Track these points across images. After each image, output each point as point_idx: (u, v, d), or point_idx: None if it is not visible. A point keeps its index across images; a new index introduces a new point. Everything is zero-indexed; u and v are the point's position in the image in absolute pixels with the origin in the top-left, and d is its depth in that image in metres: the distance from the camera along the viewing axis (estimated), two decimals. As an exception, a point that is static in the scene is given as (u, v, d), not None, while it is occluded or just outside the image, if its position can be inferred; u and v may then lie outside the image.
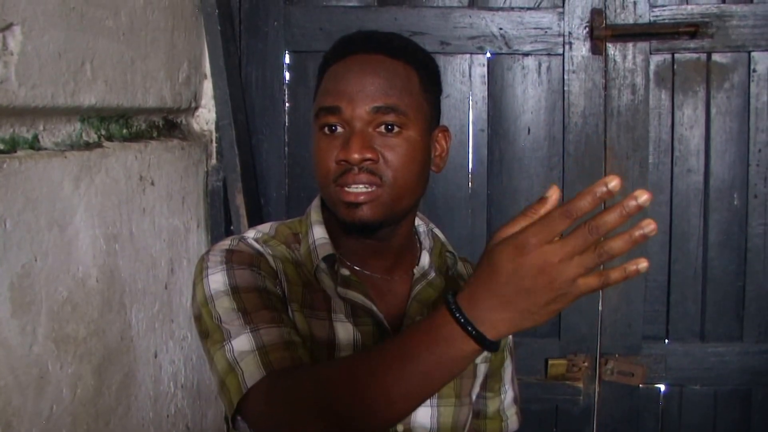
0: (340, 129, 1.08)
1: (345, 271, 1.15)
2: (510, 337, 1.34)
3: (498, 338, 0.79)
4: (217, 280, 1.08)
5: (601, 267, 0.76)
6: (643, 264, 0.74)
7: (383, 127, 1.08)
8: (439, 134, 1.17)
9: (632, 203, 0.72)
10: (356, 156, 1.05)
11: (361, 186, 1.07)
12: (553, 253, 0.74)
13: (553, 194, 0.77)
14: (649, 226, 0.73)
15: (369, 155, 1.06)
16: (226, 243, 1.14)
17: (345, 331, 1.12)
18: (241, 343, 1.02)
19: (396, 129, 1.08)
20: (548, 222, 0.75)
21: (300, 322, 1.10)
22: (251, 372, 0.99)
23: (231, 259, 1.10)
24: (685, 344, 2.02)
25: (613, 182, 0.72)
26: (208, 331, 1.06)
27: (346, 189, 1.07)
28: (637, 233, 0.73)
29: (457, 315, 0.79)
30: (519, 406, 1.38)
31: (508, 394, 1.36)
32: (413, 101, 1.10)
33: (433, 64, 1.18)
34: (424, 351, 0.82)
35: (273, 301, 1.08)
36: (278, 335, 1.02)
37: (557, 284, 0.75)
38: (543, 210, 0.77)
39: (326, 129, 1.09)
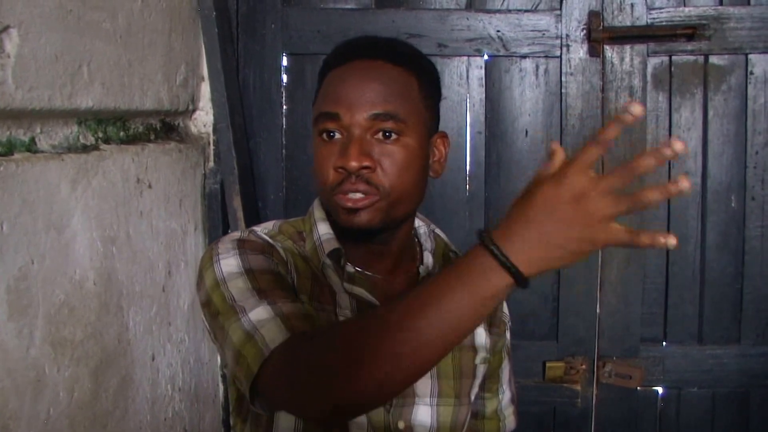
0: (338, 135, 1.09)
1: (350, 268, 1.16)
2: (508, 338, 1.35)
3: (531, 274, 0.81)
4: (230, 264, 1.07)
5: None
6: (672, 240, 0.77)
7: (381, 133, 1.08)
8: (438, 140, 1.18)
9: (667, 151, 0.76)
10: (354, 164, 1.05)
11: (358, 194, 1.07)
12: (590, 183, 0.77)
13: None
14: (684, 183, 0.76)
15: (366, 163, 1.06)
16: (236, 234, 1.15)
17: None
18: (259, 313, 1.00)
19: (394, 136, 1.08)
20: (583, 152, 0.78)
21: None
22: (273, 336, 0.96)
23: (243, 246, 1.10)
24: (683, 346, 2.02)
25: (635, 108, 0.77)
26: (219, 311, 1.04)
27: (344, 196, 1.08)
28: (673, 187, 0.76)
29: (492, 247, 0.80)
30: (516, 407, 1.39)
31: (506, 394, 1.37)
32: (412, 108, 1.10)
33: (433, 70, 1.18)
34: (458, 288, 0.82)
35: (287, 285, 1.08)
36: (297, 308, 1.02)
37: (592, 219, 0.77)
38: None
39: (324, 135, 1.10)
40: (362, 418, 1.13)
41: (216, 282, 1.06)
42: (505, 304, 1.34)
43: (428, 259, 1.22)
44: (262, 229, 1.19)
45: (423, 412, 1.18)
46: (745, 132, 1.96)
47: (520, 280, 0.80)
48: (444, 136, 1.19)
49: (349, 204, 1.07)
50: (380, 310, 0.97)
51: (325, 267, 1.15)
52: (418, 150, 1.11)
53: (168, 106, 1.77)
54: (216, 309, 1.05)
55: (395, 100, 1.08)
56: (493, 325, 1.30)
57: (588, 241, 0.79)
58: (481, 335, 1.26)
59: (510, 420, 1.37)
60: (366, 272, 1.18)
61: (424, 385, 1.18)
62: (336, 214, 1.11)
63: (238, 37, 2.00)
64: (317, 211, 1.20)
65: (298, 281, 1.12)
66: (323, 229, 1.17)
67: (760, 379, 2.00)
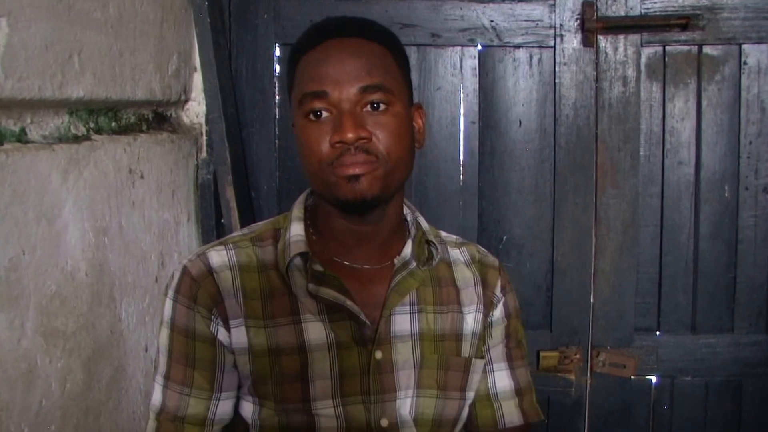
0: (326, 114, 1.10)
1: (318, 267, 1.14)
2: (497, 316, 1.26)
3: None
4: (167, 308, 1.16)
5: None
6: None
7: (370, 105, 1.10)
8: (416, 112, 1.20)
9: None
10: (351, 135, 1.06)
11: (358, 164, 1.08)
12: None
13: None
14: None
15: (363, 134, 1.07)
16: (189, 257, 1.18)
17: (316, 330, 1.13)
18: (156, 394, 1.16)
19: (383, 106, 1.10)
20: None
21: (256, 337, 1.12)
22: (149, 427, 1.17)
23: (179, 289, 1.15)
24: (676, 336, 2.02)
25: None
26: (157, 347, 1.18)
27: (344, 167, 1.08)
28: None
29: None
30: (521, 401, 1.28)
31: (496, 379, 1.26)
32: (394, 79, 1.13)
33: (401, 44, 1.20)
34: None
35: (196, 350, 1.14)
36: (176, 405, 1.14)
37: None
38: None
39: (312, 115, 1.10)
40: (340, 420, 1.12)
41: (160, 316, 1.18)
42: (499, 284, 1.27)
43: (407, 249, 1.20)
44: (235, 236, 1.22)
45: (407, 406, 1.16)
46: (738, 122, 1.96)
47: None
48: (420, 107, 1.22)
49: (350, 171, 1.07)
50: None
51: (291, 268, 1.15)
52: (406, 118, 1.14)
53: (160, 97, 1.76)
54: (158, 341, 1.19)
55: (379, 71, 1.10)
56: (485, 306, 1.25)
57: None
58: (471, 322, 1.23)
59: (510, 412, 1.26)
60: (344, 262, 1.17)
61: (407, 376, 1.16)
62: (335, 187, 1.10)
63: (230, 28, 1.99)
64: (296, 210, 1.21)
65: (245, 305, 1.13)
66: (295, 230, 1.17)
67: (753, 368, 2.01)
